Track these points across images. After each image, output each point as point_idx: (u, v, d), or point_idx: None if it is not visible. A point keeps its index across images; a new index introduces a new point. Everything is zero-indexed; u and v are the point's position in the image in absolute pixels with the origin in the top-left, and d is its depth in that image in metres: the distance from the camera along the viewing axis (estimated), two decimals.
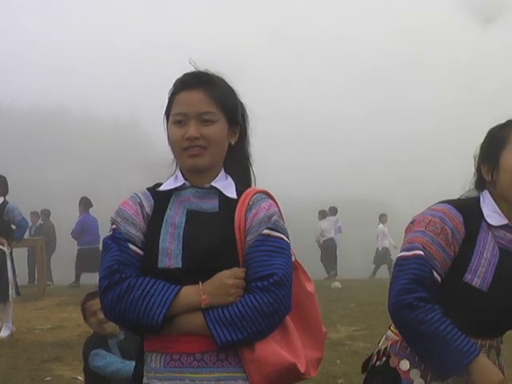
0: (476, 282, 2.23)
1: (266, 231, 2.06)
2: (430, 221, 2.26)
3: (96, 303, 4.17)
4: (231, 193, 2.14)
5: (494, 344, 2.31)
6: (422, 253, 2.21)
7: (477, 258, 2.25)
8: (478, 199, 2.36)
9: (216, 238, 2.05)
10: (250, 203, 2.10)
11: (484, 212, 2.32)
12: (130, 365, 3.93)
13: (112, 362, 3.97)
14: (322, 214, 18.66)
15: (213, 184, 2.14)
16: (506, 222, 2.31)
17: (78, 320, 8.65)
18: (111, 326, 4.10)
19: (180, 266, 2.03)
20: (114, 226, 2.11)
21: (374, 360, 2.39)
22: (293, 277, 2.09)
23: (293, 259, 2.13)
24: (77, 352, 4.31)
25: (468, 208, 2.32)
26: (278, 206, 2.14)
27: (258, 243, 2.05)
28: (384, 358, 2.34)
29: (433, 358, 2.18)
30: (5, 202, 8.81)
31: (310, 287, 2.22)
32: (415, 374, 2.24)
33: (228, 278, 1.99)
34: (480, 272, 2.24)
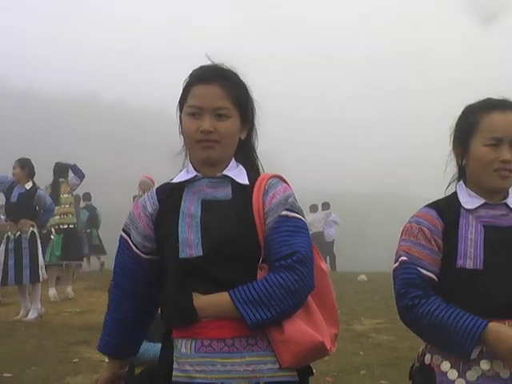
0: (469, 264, 2.22)
1: (284, 212, 2.11)
2: (407, 229, 2.30)
3: None
4: (243, 179, 2.18)
5: None
6: (405, 258, 2.25)
7: (462, 242, 2.25)
8: (455, 191, 2.37)
9: (233, 223, 2.09)
10: (266, 187, 2.15)
11: (460, 200, 2.32)
12: (155, 347, 3.99)
13: None
14: (313, 208, 18.75)
15: (225, 173, 2.19)
16: (483, 201, 2.30)
17: (106, 305, 8.74)
18: None
19: (201, 254, 2.08)
20: (123, 228, 2.28)
21: (415, 362, 2.41)
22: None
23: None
24: None
25: (442, 202, 2.34)
26: (291, 189, 2.20)
27: (278, 224, 2.10)
28: (422, 358, 2.36)
29: (448, 344, 2.19)
30: (35, 187, 8.96)
31: (324, 266, 2.26)
32: (446, 366, 2.25)
33: None
34: (469, 253, 2.23)
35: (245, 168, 2.24)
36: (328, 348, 2.09)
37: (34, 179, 9.06)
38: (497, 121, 2.27)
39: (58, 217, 10.26)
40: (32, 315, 8.82)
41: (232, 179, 2.18)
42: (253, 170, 2.27)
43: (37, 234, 8.88)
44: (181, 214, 2.15)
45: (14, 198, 8.87)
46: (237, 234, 2.07)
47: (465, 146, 2.32)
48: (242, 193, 2.16)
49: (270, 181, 2.18)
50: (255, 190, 2.15)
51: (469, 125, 2.31)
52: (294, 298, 2.03)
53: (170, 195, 2.20)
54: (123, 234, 2.26)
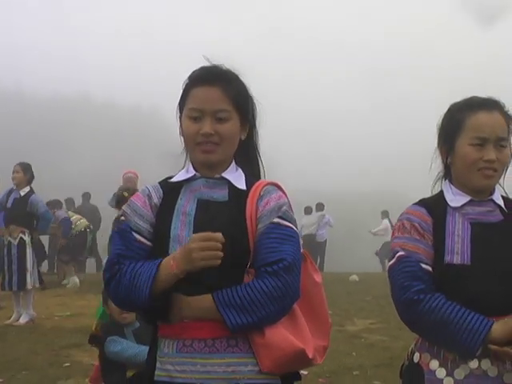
0: (457, 260, 2.23)
1: (276, 220, 2.11)
2: (399, 226, 2.31)
3: None
4: (241, 184, 2.19)
5: None
6: (402, 253, 2.25)
7: (449, 238, 2.26)
8: (442, 190, 2.38)
9: (225, 225, 2.09)
10: (262, 193, 2.16)
11: (447, 198, 2.33)
12: (146, 350, 3.97)
13: (129, 347, 4.00)
14: (307, 211, 18.66)
15: (223, 175, 2.20)
16: (468, 198, 2.32)
17: (97, 308, 8.75)
18: (131, 316, 4.15)
19: None
20: (122, 218, 2.20)
21: (404, 361, 2.41)
22: (301, 266, 2.13)
23: (301, 250, 2.17)
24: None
25: (430, 200, 2.36)
26: (287, 198, 2.20)
27: (268, 230, 2.10)
28: (411, 357, 2.36)
29: (451, 343, 2.18)
30: (29, 193, 8.86)
31: (318, 278, 2.25)
32: (435, 365, 2.25)
33: (192, 242, 1.99)
34: (457, 249, 2.24)
35: (245, 170, 2.24)
36: (310, 357, 2.07)
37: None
38: (482, 121, 2.28)
39: None
40: (23, 319, 8.77)
41: (229, 182, 2.19)
42: (253, 172, 2.28)
43: (26, 241, 8.76)
44: (175, 211, 2.16)
45: (9, 203, 8.84)
46: (228, 235, 2.05)
47: (450, 144, 2.33)
48: (238, 196, 2.16)
49: (266, 187, 2.18)
50: (250, 194, 2.16)
51: (454, 124, 2.32)
52: (276, 304, 2.02)
53: (169, 192, 2.21)
54: (125, 225, 2.16)
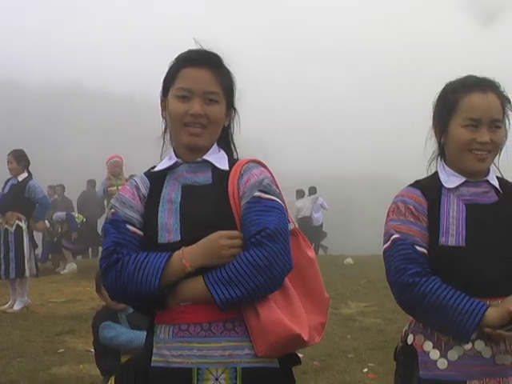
0: (451, 241, 2.22)
1: (257, 193, 2.09)
2: (394, 208, 2.30)
3: None
4: (223, 165, 2.18)
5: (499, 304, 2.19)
6: (397, 235, 2.24)
7: (444, 220, 2.25)
8: (437, 171, 2.37)
9: (211, 208, 2.08)
10: (242, 171, 2.14)
11: (441, 179, 2.32)
12: (141, 335, 3.95)
13: (123, 332, 3.99)
14: (299, 194, 18.74)
15: (205, 157, 2.18)
16: (463, 179, 2.30)
17: (92, 294, 8.73)
18: None
19: (179, 239, 2.07)
20: (112, 211, 2.18)
21: (398, 343, 2.41)
22: (290, 237, 2.09)
23: (291, 227, 2.15)
24: (90, 325, 4.35)
25: (424, 182, 2.35)
26: (271, 173, 2.17)
27: (250, 205, 2.08)
28: (405, 339, 2.35)
29: (446, 326, 2.17)
30: (27, 179, 8.80)
31: (311, 253, 2.23)
32: (428, 346, 2.25)
33: (220, 238, 2.01)
34: (452, 230, 2.23)
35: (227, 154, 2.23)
36: (306, 339, 2.05)
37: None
38: (476, 101, 2.25)
39: None
40: (17, 306, 8.75)
41: (212, 164, 2.17)
42: (232, 156, 2.26)
43: (23, 227, 8.71)
44: (161, 200, 2.15)
45: (6, 189, 8.79)
46: (214, 218, 2.05)
47: (444, 124, 2.31)
48: (222, 178, 2.15)
49: (246, 165, 2.16)
50: (231, 174, 2.14)
51: (448, 104, 2.30)
52: (264, 274, 1.99)
53: (154, 182, 2.20)
54: (116, 216, 2.15)
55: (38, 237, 15.58)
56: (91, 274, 8.60)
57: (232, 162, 2.20)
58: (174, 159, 2.20)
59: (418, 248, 2.22)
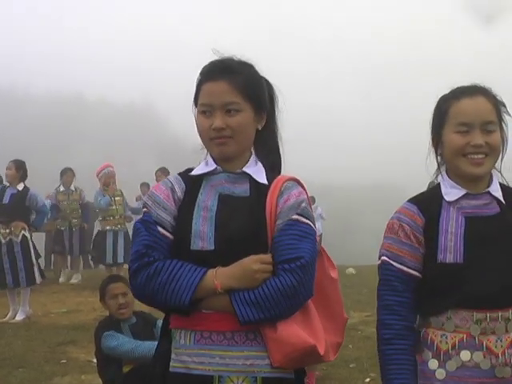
0: (449, 258, 2.20)
1: (295, 216, 2.10)
2: (389, 226, 2.30)
3: (118, 287, 4.21)
4: (262, 178, 2.18)
5: (499, 316, 2.19)
6: (385, 258, 2.27)
7: (443, 236, 2.24)
8: (439, 184, 2.35)
9: (247, 221, 2.09)
10: (282, 189, 2.15)
11: (442, 191, 2.31)
12: (143, 345, 3.97)
13: (125, 341, 4.00)
14: None
15: (244, 169, 2.19)
16: (464, 192, 2.28)
17: (94, 304, 8.74)
18: (128, 312, 4.14)
19: (213, 248, 2.08)
20: (145, 209, 2.17)
21: None
22: (317, 263, 2.13)
23: (317, 247, 2.17)
24: (92, 335, 4.35)
25: (424, 196, 2.34)
26: (306, 194, 2.19)
27: (287, 227, 2.09)
28: None
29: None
30: (26, 189, 8.83)
31: (334, 274, 2.27)
32: (427, 356, 2.24)
33: (254, 263, 2.03)
34: (449, 247, 2.22)
35: (264, 162, 2.24)
36: (322, 353, 2.07)
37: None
38: (465, 106, 2.25)
39: None
40: (20, 317, 8.73)
41: (250, 176, 2.19)
42: (273, 163, 2.28)
43: (28, 237, 8.73)
44: (196, 206, 2.14)
45: (5, 199, 8.72)
46: (249, 231, 2.07)
47: (438, 134, 2.31)
48: (259, 191, 2.16)
49: (286, 183, 2.17)
50: (271, 190, 2.15)
51: (440, 114, 2.31)
52: (288, 302, 2.02)
53: (190, 186, 2.20)
54: (148, 216, 2.15)
55: (41, 240, 15.59)
56: (93, 284, 8.60)
57: (270, 176, 2.20)
58: (213, 165, 2.19)
59: (404, 269, 2.23)
